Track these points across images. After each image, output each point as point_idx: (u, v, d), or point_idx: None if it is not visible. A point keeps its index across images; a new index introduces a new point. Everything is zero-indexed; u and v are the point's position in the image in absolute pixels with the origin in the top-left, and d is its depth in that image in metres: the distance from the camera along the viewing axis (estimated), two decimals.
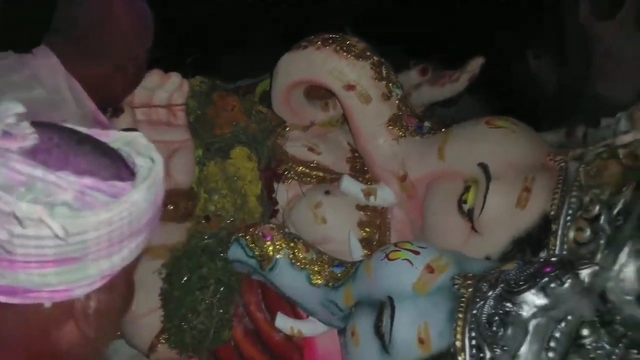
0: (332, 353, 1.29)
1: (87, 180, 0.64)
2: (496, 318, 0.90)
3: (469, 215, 1.26)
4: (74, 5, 1.24)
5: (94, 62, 1.26)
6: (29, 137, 0.63)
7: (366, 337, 1.09)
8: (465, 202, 1.27)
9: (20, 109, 0.63)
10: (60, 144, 0.65)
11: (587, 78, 2.39)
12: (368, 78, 1.43)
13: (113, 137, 0.72)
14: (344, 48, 1.44)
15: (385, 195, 1.45)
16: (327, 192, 1.49)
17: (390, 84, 1.46)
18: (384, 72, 1.46)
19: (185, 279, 1.27)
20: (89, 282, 0.68)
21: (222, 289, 1.28)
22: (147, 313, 1.35)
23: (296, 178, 1.54)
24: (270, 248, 1.23)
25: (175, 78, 1.41)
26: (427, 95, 1.85)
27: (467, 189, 1.28)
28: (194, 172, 1.44)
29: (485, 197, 1.22)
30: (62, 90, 1.22)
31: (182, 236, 1.37)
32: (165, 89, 1.41)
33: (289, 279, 1.23)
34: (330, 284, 1.21)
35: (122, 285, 0.73)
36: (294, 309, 1.32)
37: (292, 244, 1.25)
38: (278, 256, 1.23)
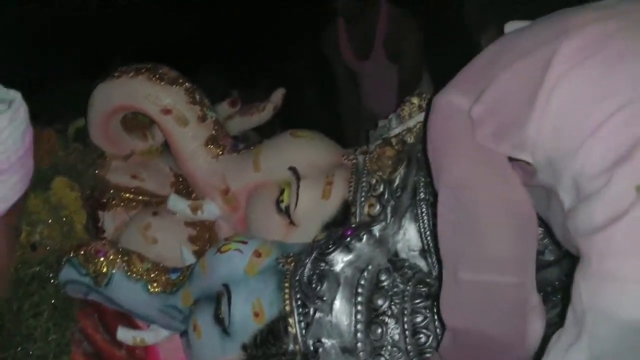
0: None
1: None
2: (314, 277, 1.08)
3: (286, 212, 1.44)
4: None
5: None
6: None
7: (207, 327, 1.18)
8: (282, 201, 1.46)
9: None
10: None
11: (359, 104, 2.80)
12: (183, 102, 1.56)
13: None
14: (157, 75, 1.55)
15: (211, 209, 1.56)
16: (154, 213, 1.56)
17: (205, 108, 1.60)
18: (197, 97, 1.59)
19: (16, 309, 1.24)
20: None
21: (56, 314, 1.27)
22: None
23: (122, 204, 1.59)
24: (105, 263, 1.27)
25: None
26: (239, 125, 2.02)
27: (282, 192, 1.47)
28: None
29: (297, 193, 1.42)
30: None
31: None
32: None
33: (126, 291, 1.28)
34: (168, 290, 1.28)
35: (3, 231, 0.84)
36: (132, 324, 1.35)
37: (126, 258, 1.30)
38: (113, 270, 1.27)
